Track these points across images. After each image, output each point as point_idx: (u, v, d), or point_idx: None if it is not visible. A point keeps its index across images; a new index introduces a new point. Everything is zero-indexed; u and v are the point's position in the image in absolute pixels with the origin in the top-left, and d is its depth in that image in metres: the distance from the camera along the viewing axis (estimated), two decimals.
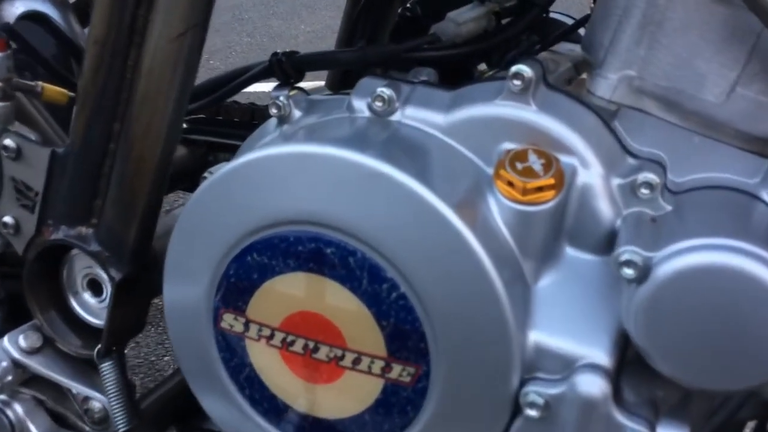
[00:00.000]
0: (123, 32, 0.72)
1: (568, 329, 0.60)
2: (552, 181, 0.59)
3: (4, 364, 0.83)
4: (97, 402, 0.81)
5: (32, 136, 0.83)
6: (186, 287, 0.69)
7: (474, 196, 0.61)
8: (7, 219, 0.81)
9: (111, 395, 0.78)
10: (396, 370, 0.62)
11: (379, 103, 0.65)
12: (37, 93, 0.83)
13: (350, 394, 0.65)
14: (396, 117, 0.65)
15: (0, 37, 0.80)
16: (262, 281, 0.64)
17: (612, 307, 0.59)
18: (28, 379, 0.85)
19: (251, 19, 3.87)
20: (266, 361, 0.67)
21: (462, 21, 0.83)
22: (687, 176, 0.62)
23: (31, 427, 0.86)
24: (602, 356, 0.59)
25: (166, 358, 1.63)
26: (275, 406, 0.68)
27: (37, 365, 0.83)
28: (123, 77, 0.73)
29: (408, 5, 1.05)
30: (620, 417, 0.58)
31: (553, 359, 0.60)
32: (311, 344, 0.64)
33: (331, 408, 0.66)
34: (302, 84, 0.77)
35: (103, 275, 0.78)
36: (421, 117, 0.65)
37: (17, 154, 0.80)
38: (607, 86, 0.64)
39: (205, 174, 0.70)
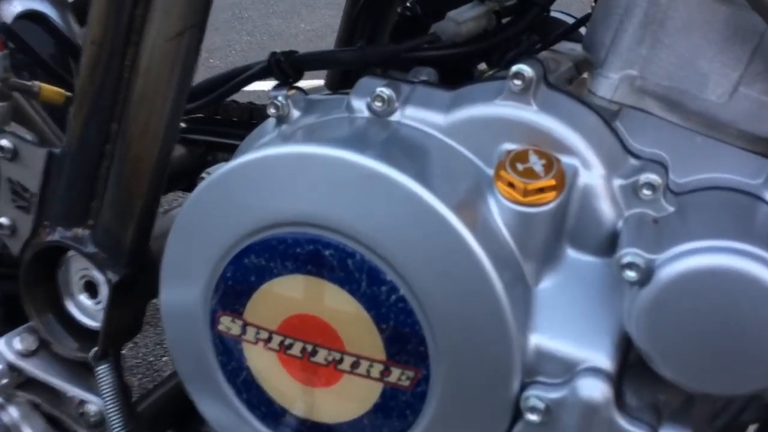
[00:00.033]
0: (120, 32, 0.72)
1: (569, 332, 0.59)
2: (553, 182, 0.58)
3: (0, 367, 0.82)
4: (93, 405, 0.80)
5: (29, 136, 0.83)
6: (183, 289, 0.68)
7: (474, 198, 0.60)
8: (3, 220, 0.81)
9: (107, 398, 0.78)
10: (395, 373, 0.61)
11: (378, 103, 0.65)
12: (34, 93, 0.83)
13: (349, 398, 0.64)
14: (395, 117, 0.65)
15: None
16: (260, 283, 0.64)
17: (614, 310, 0.59)
18: (23, 382, 0.84)
19: (251, 18, 3.87)
20: (264, 364, 0.66)
21: (462, 20, 0.83)
22: (689, 177, 0.61)
23: (27, 430, 0.85)
24: (604, 360, 0.58)
25: (164, 359, 1.63)
26: (273, 410, 0.68)
27: (33, 368, 0.82)
28: (120, 77, 0.73)
29: (408, 4, 1.04)
30: (622, 422, 0.58)
31: (554, 363, 0.59)
32: (309, 347, 0.64)
33: (329, 412, 0.65)
34: (301, 83, 0.76)
35: (100, 277, 0.78)
36: (421, 117, 0.64)
37: (13, 155, 0.79)
38: (608, 86, 0.63)
39: (203, 174, 0.69)
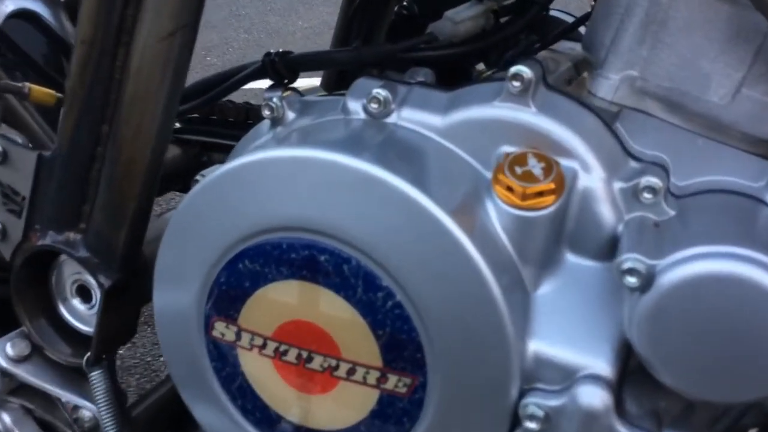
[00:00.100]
0: (111, 32, 0.71)
1: (568, 338, 0.58)
2: (552, 185, 0.57)
3: None
4: (87, 411, 0.79)
5: (19, 139, 0.82)
6: (176, 294, 0.67)
7: (472, 201, 0.59)
8: None
9: (101, 404, 0.77)
10: (392, 380, 0.60)
11: (374, 105, 0.64)
12: (24, 94, 0.82)
13: (345, 405, 0.63)
14: (392, 119, 0.64)
15: None
16: (255, 289, 0.63)
17: (614, 315, 0.58)
18: (16, 387, 0.84)
19: (248, 15, 3.85)
20: (259, 370, 0.65)
21: (460, 20, 0.82)
22: (690, 180, 0.61)
23: None
24: (604, 366, 0.57)
25: (162, 359, 1.62)
26: (268, 416, 0.67)
27: (26, 374, 0.81)
28: (111, 78, 0.72)
29: (404, 3, 1.03)
30: (622, 429, 0.57)
31: (553, 369, 0.58)
32: (305, 354, 0.63)
33: (325, 419, 0.65)
34: (297, 82, 0.75)
35: (92, 281, 0.77)
36: (418, 119, 0.63)
37: (3, 158, 0.78)
38: (608, 87, 0.63)
39: (197, 177, 0.68)
